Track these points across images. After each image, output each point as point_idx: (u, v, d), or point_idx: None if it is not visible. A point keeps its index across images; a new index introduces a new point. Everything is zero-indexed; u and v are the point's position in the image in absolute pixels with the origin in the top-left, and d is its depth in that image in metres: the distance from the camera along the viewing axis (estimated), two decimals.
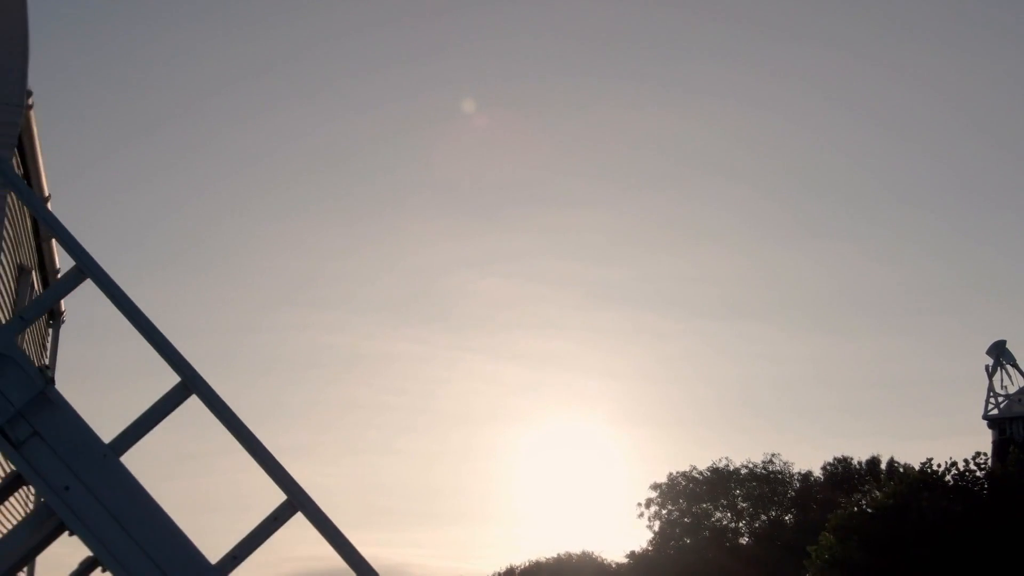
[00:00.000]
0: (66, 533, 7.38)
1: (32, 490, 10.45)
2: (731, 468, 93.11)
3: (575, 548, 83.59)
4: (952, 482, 41.40)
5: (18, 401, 7.32)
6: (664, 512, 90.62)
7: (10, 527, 11.59)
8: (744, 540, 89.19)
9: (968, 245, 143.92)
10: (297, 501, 7.39)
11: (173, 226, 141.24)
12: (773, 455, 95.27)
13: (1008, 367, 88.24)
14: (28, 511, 10.99)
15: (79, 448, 7.35)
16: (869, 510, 43.05)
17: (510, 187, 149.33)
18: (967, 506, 38.87)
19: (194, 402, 7.46)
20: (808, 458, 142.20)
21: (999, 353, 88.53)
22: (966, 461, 44.74)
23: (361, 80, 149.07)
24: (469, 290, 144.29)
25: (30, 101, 9.59)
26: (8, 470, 9.13)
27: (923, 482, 41.37)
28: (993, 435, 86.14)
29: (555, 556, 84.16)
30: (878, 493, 72.54)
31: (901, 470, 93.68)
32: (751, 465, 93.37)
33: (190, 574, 7.20)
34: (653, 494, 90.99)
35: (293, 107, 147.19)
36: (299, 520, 7.47)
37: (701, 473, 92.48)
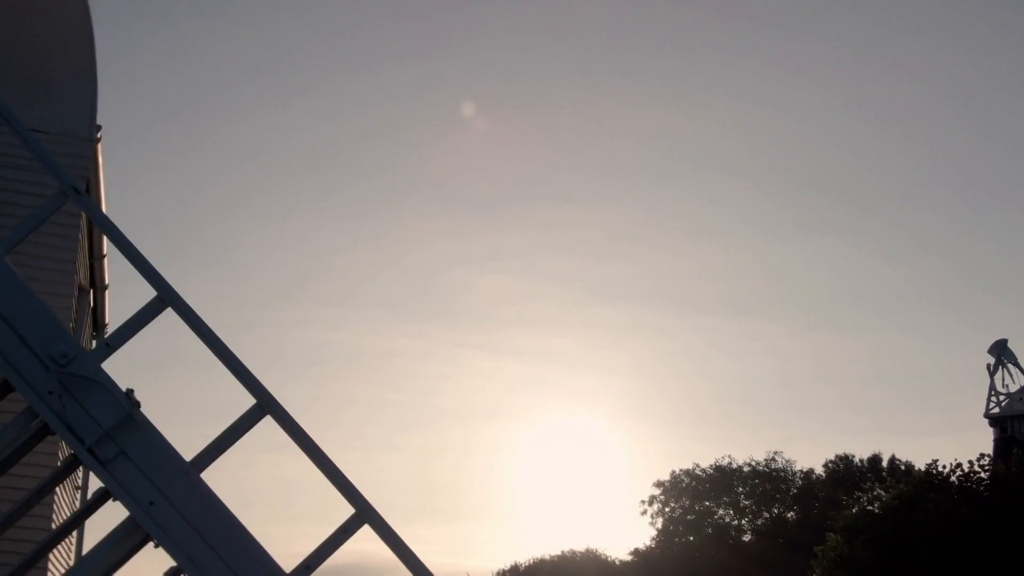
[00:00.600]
0: (151, 545, 7.94)
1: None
2: (734, 466, 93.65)
3: (578, 545, 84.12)
4: (957, 483, 41.99)
5: (106, 423, 7.87)
6: (667, 510, 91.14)
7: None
8: (747, 537, 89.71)
9: (969, 241, 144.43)
10: (365, 515, 7.96)
11: (173, 223, 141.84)
12: (776, 453, 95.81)
13: (1009, 366, 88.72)
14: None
15: (162, 466, 7.91)
16: (876, 511, 43.64)
17: (509, 184, 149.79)
18: (971, 507, 39.48)
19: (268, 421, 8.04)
20: (809, 454, 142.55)
21: (1000, 352, 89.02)
22: (970, 463, 45.36)
23: (361, 77, 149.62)
24: (469, 287, 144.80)
25: (99, 135, 10.15)
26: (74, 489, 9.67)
27: (928, 483, 42.00)
28: (995, 433, 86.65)
29: (559, 553, 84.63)
30: (882, 491, 73.04)
31: (903, 467, 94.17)
32: (754, 463, 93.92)
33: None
34: (656, 491, 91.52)
35: (292, 104, 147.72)
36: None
37: (704, 471, 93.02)
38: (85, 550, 8.31)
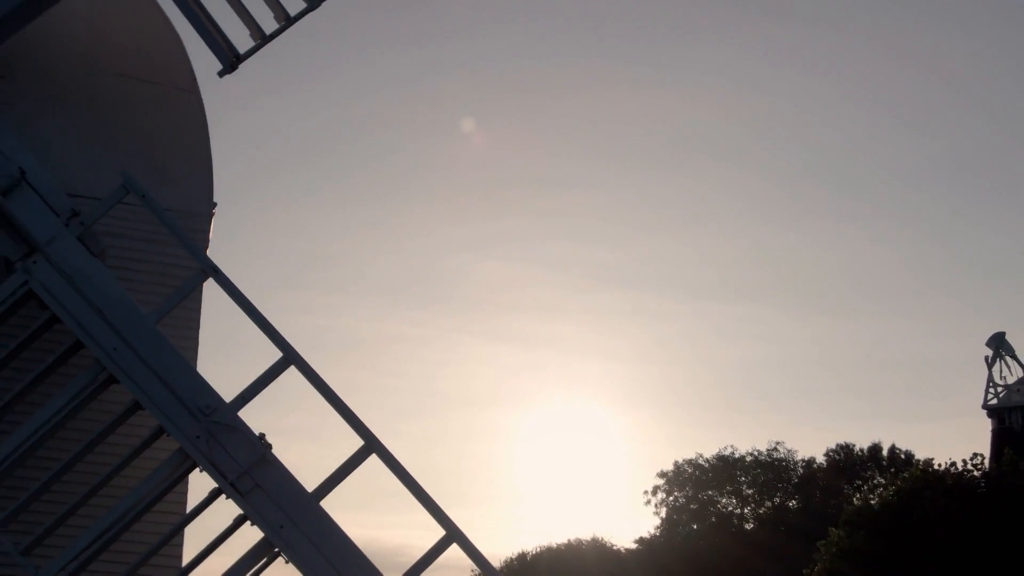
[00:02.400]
0: (281, 561, 9.82)
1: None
2: (736, 455, 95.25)
3: (583, 533, 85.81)
4: (951, 481, 44.08)
5: (244, 462, 9.78)
6: (671, 499, 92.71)
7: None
8: (749, 526, 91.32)
9: (968, 226, 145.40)
10: (454, 536, 9.87)
11: None
12: (777, 443, 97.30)
13: (1007, 358, 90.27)
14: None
15: (290, 496, 9.81)
16: (875, 506, 45.69)
17: (508, 170, 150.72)
18: (963, 503, 41.62)
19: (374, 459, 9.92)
20: (810, 440, 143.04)
21: (998, 344, 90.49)
22: (964, 461, 47.42)
23: (361, 64, 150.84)
24: (468, 273, 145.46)
25: (214, 211, 11.96)
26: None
27: (924, 480, 44.12)
28: (992, 424, 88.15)
29: (565, 542, 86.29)
30: (882, 480, 74.64)
31: (903, 456, 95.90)
32: (756, 452, 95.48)
33: None
34: (660, 481, 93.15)
35: (293, 92, 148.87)
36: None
37: (707, 460, 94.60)
38: (220, 569, 10.18)
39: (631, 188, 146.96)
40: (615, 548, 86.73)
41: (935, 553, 40.70)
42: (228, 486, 9.73)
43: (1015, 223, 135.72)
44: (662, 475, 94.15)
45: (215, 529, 10.23)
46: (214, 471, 9.74)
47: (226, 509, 9.92)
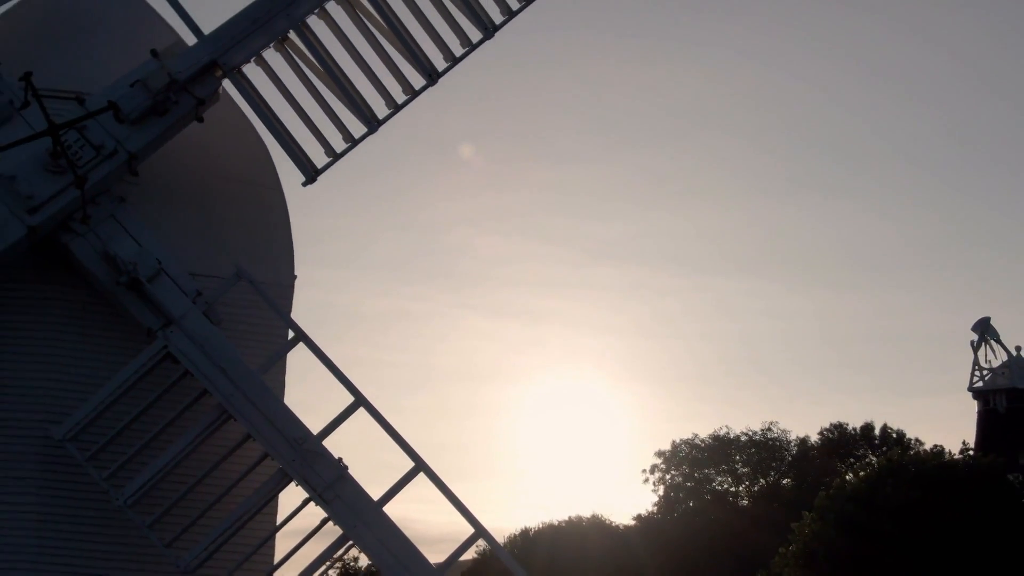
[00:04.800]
0: (354, 552, 13.42)
1: None
2: (731, 435, 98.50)
3: (583, 509, 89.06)
4: (920, 467, 47.68)
5: (328, 479, 13.35)
6: (668, 478, 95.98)
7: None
8: (744, 503, 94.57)
9: (966, 200, 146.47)
10: (483, 535, 13.47)
11: None
12: (771, 423, 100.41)
13: (992, 342, 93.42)
14: None
15: (362, 504, 13.39)
16: (846, 492, 49.15)
17: (507, 144, 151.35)
18: (926, 493, 45.32)
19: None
20: (807, 414, 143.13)
21: (984, 329, 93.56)
22: (944, 450, 50.94)
23: None
24: (468, 248, 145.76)
25: (295, 283, 15.42)
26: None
27: (890, 469, 47.79)
28: (978, 406, 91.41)
29: (566, 519, 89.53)
30: (873, 459, 78.11)
31: (894, 435, 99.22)
32: (750, 432, 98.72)
33: (424, 570, 13.26)
34: (657, 460, 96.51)
35: None
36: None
37: (703, 440, 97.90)
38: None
39: (630, 162, 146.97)
40: (614, 525, 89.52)
41: (900, 539, 44.37)
42: (316, 497, 13.34)
43: (1012, 196, 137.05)
44: (659, 454, 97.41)
45: (301, 527, 13.83)
46: (306, 485, 13.35)
47: (312, 512, 13.51)
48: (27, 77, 12.74)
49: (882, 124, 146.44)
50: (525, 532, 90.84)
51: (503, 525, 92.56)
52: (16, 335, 13.92)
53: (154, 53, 13.84)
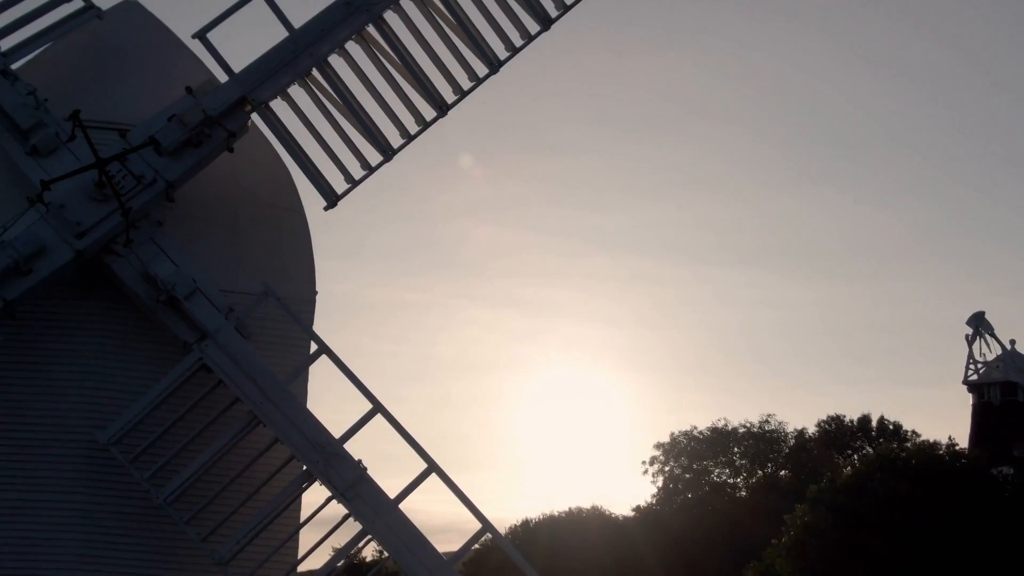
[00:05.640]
0: (374, 544, 14.77)
1: None
2: (729, 428, 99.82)
3: (583, 501, 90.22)
4: (900, 464, 49.21)
5: (349, 478, 14.68)
6: (667, 469, 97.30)
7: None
8: (742, 494, 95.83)
9: (965, 191, 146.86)
10: (491, 531, 14.80)
11: None
12: (769, 415, 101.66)
13: (986, 336, 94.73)
14: None
15: (380, 501, 14.73)
16: (837, 486, 50.73)
17: (504, 134, 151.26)
18: (914, 487, 46.89)
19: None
20: (806, 404, 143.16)
21: (978, 323, 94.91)
22: (937, 443, 52.42)
23: None
24: (467, 238, 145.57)
25: (316, 298, 16.73)
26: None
27: (879, 464, 49.32)
28: (973, 398, 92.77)
29: (566, 510, 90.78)
30: (870, 451, 79.50)
31: (891, 427, 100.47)
32: (748, 424, 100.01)
33: (436, 563, 14.61)
34: (656, 452, 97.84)
35: None
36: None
37: (701, 433, 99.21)
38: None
39: (630, 152, 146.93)
40: (614, 516, 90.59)
41: (887, 531, 45.85)
42: (339, 495, 14.69)
43: (1011, 187, 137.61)
44: (658, 446, 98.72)
45: (324, 521, 15.19)
46: (329, 484, 14.69)
47: (334, 509, 14.85)
48: (75, 115, 14.18)
49: (882, 115, 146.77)
50: (526, 523, 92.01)
51: (503, 515, 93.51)
52: (63, 347, 15.25)
53: (189, 90, 15.17)
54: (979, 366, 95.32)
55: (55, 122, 15.05)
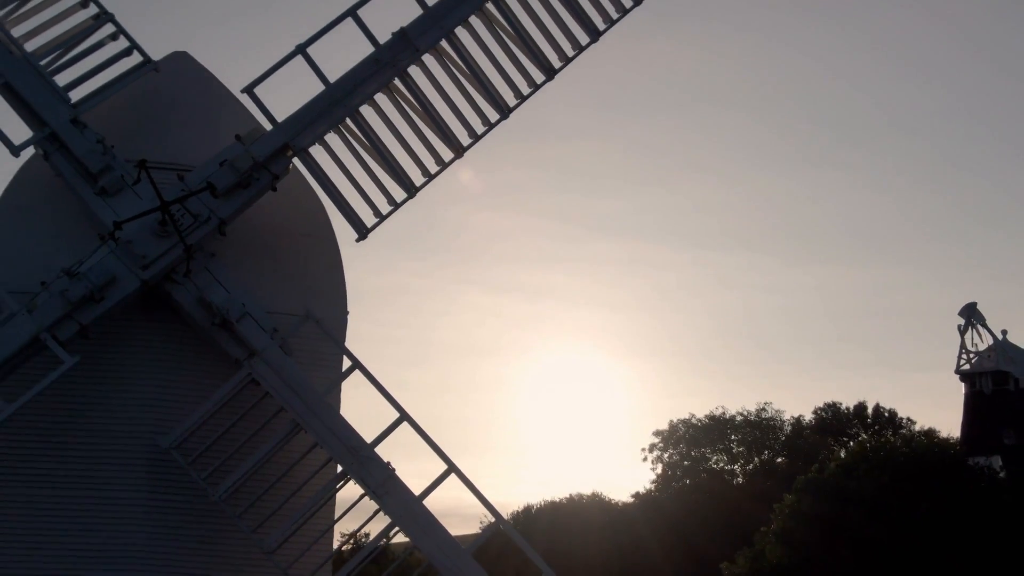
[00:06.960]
0: (402, 536, 16.94)
1: None
2: (727, 415, 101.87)
3: (583, 487, 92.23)
4: (885, 455, 51.46)
5: (380, 479, 16.86)
6: (665, 456, 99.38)
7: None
8: (739, 480, 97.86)
9: (966, 176, 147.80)
10: (506, 528, 16.99)
11: None
12: (766, 403, 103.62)
13: (978, 326, 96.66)
14: None
15: (407, 498, 16.90)
16: (824, 476, 52.95)
17: (504, 122, 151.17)
18: (897, 479, 49.16)
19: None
20: (804, 388, 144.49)
21: (970, 314, 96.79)
22: (930, 434, 54.42)
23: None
24: (466, 224, 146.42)
25: (347, 317, 18.86)
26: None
27: (863, 456, 51.62)
28: (965, 388, 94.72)
29: (567, 496, 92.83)
30: (865, 438, 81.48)
31: (886, 415, 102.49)
32: (745, 412, 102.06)
33: (454, 551, 16.79)
34: (655, 440, 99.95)
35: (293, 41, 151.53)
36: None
37: (699, 420, 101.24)
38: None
39: (629, 137, 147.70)
40: (614, 502, 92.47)
41: (870, 520, 48.06)
42: (371, 493, 16.87)
43: (1010, 171, 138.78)
44: (657, 434, 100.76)
45: (356, 516, 17.40)
46: (362, 484, 16.87)
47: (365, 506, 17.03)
48: (142, 163, 16.35)
49: (882, 98, 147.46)
50: (528, 509, 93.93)
51: (504, 500, 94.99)
52: (129, 363, 17.43)
53: (238, 138, 17.32)
54: (971, 356, 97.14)
55: (120, 165, 17.17)
